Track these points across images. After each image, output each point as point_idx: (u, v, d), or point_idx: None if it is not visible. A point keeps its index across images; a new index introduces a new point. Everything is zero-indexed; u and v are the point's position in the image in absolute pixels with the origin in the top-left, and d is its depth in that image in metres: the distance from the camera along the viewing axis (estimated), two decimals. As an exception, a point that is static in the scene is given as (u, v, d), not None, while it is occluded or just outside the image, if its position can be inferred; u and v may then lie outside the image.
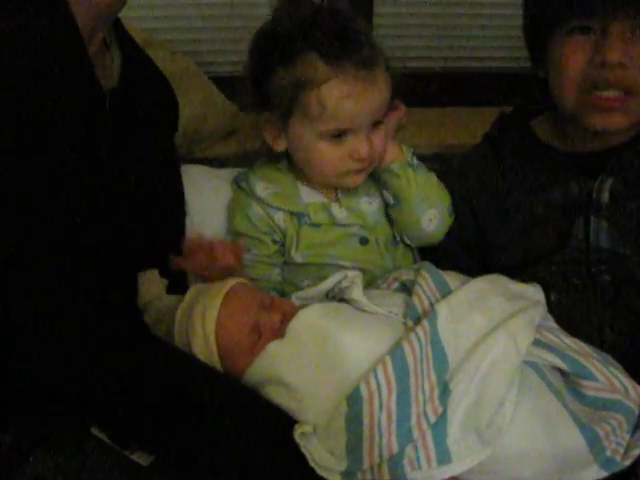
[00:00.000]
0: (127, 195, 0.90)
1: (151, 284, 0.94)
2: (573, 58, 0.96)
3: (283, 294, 1.06)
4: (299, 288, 1.04)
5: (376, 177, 1.08)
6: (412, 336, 0.81)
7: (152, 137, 0.98)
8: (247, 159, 1.16)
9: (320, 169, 1.02)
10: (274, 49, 0.98)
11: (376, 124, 1.00)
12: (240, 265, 1.01)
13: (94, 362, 0.75)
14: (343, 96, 0.95)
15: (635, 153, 1.01)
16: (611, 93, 0.95)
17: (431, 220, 1.05)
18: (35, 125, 0.75)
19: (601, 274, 0.98)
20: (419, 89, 1.51)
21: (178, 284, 0.98)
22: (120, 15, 1.31)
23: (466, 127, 1.51)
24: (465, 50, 1.61)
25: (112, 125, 0.89)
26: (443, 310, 0.84)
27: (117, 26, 0.97)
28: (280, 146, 1.03)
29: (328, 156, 1.00)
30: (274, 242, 1.06)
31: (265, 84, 1.00)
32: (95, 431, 0.79)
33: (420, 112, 1.51)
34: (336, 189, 1.07)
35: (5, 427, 0.78)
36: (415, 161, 1.07)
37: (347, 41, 0.95)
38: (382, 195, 1.08)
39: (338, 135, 0.98)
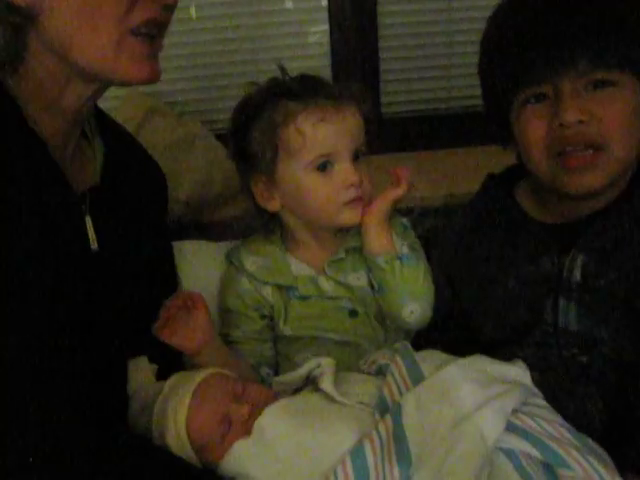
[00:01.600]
0: (113, 290, 0.93)
1: (139, 371, 0.97)
2: (533, 126, 0.95)
3: (277, 368, 1.09)
4: (293, 362, 1.07)
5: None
6: (373, 433, 0.81)
7: (139, 227, 1.01)
8: (252, 222, 1.19)
9: (316, 208, 1.03)
10: (248, 111, 1.03)
11: (357, 157, 1.02)
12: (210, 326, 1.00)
13: (67, 462, 0.77)
14: (318, 121, 0.98)
15: (605, 226, 0.97)
16: (579, 153, 0.93)
17: (412, 312, 1.03)
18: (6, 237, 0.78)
19: (575, 357, 0.96)
20: (426, 132, 1.51)
21: (170, 368, 1.00)
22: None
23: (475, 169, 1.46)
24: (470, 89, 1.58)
25: (93, 223, 0.92)
26: (409, 403, 0.84)
27: (100, 117, 1.00)
28: (274, 205, 1.06)
29: (320, 191, 1.01)
30: (262, 317, 1.08)
31: (247, 146, 1.03)
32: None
33: (429, 155, 1.50)
34: (323, 262, 1.08)
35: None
36: (405, 250, 1.05)
37: (312, 83, 1.01)
38: (369, 275, 1.08)
39: (323, 166, 1.00)
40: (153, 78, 0.84)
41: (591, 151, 0.93)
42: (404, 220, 1.13)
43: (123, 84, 0.85)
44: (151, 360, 1.00)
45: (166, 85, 1.53)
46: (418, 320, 1.04)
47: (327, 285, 1.07)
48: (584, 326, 0.95)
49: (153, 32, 0.83)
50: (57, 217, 0.86)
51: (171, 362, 1.03)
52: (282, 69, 1.05)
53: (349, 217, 1.03)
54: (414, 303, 1.03)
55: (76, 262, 0.88)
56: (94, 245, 0.92)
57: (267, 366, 1.08)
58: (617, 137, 0.92)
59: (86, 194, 0.92)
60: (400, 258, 1.03)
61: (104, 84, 0.87)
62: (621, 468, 0.85)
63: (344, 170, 1.01)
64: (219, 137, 1.45)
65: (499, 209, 1.07)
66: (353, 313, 1.07)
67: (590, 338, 0.95)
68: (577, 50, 0.90)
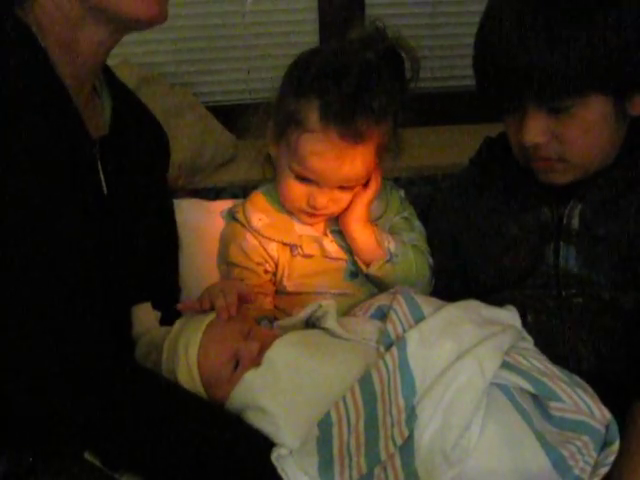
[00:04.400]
0: (120, 235, 0.96)
1: (144, 317, 1.00)
2: (510, 133, 1.03)
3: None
4: (290, 316, 1.08)
5: None
6: (380, 363, 0.86)
7: (144, 178, 1.04)
8: (244, 188, 1.23)
9: (282, 195, 1.09)
10: (298, 76, 1.04)
11: (345, 187, 1.05)
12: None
13: (82, 393, 0.80)
14: (315, 152, 1.00)
15: (606, 180, 1.03)
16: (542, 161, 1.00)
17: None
18: (25, 176, 0.80)
19: (571, 298, 1.02)
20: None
21: (171, 316, 1.02)
22: (120, 52, 1.40)
23: (453, 146, 1.53)
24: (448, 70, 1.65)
25: (102, 171, 0.95)
26: (413, 337, 0.88)
27: (107, 73, 1.03)
28: (272, 149, 1.09)
29: (290, 189, 1.06)
30: (265, 272, 1.11)
31: (283, 100, 1.05)
32: (88, 456, 0.84)
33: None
34: (325, 227, 1.13)
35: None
36: (392, 247, 1.09)
37: (352, 107, 0.98)
38: None
39: (301, 179, 1.04)
40: (160, 17, 0.86)
41: (555, 160, 0.99)
42: (401, 192, 1.19)
43: (130, 22, 0.86)
44: (154, 307, 1.03)
45: (157, 57, 1.55)
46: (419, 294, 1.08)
47: (330, 246, 1.11)
48: (584, 269, 1.01)
49: None
50: (75, 158, 0.88)
51: (173, 310, 1.06)
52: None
53: (305, 220, 1.10)
54: (413, 288, 1.07)
55: (90, 203, 0.90)
56: (104, 190, 0.95)
57: (266, 320, 1.10)
58: (577, 152, 0.98)
59: (96, 142, 0.95)
60: (390, 260, 1.08)
61: (115, 26, 0.89)
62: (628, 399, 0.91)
63: (317, 192, 1.05)
64: (208, 109, 1.49)
65: (498, 166, 1.13)
66: (353, 274, 1.12)
67: (589, 281, 1.01)
68: (541, 84, 0.93)
